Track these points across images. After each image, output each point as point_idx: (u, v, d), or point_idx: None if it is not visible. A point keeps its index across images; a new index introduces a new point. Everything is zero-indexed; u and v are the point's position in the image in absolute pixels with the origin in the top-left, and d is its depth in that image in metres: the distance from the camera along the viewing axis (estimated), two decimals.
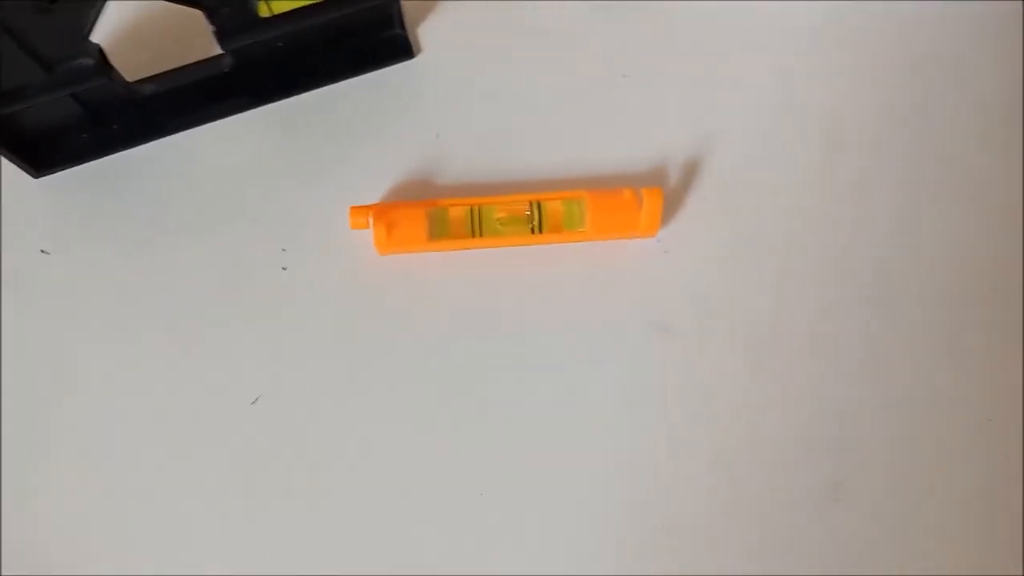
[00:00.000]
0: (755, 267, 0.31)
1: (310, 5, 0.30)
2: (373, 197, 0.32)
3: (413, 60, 0.34)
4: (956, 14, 0.34)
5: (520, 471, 0.29)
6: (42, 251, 0.32)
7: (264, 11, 0.29)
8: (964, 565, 0.29)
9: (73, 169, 0.33)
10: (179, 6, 0.28)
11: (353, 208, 0.30)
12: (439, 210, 0.31)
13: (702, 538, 0.29)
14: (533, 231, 0.31)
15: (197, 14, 0.29)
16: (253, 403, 0.30)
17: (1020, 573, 0.29)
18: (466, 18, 0.34)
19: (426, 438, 0.30)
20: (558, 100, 0.33)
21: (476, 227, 0.31)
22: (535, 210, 0.31)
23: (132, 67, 0.32)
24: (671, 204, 0.32)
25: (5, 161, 0.31)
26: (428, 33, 0.34)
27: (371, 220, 0.30)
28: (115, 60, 0.30)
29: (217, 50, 0.31)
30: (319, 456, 0.30)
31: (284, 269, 0.31)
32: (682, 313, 0.31)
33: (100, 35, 0.28)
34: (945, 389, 0.30)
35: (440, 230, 0.31)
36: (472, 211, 0.31)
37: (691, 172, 0.32)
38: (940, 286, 0.31)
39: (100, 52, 0.29)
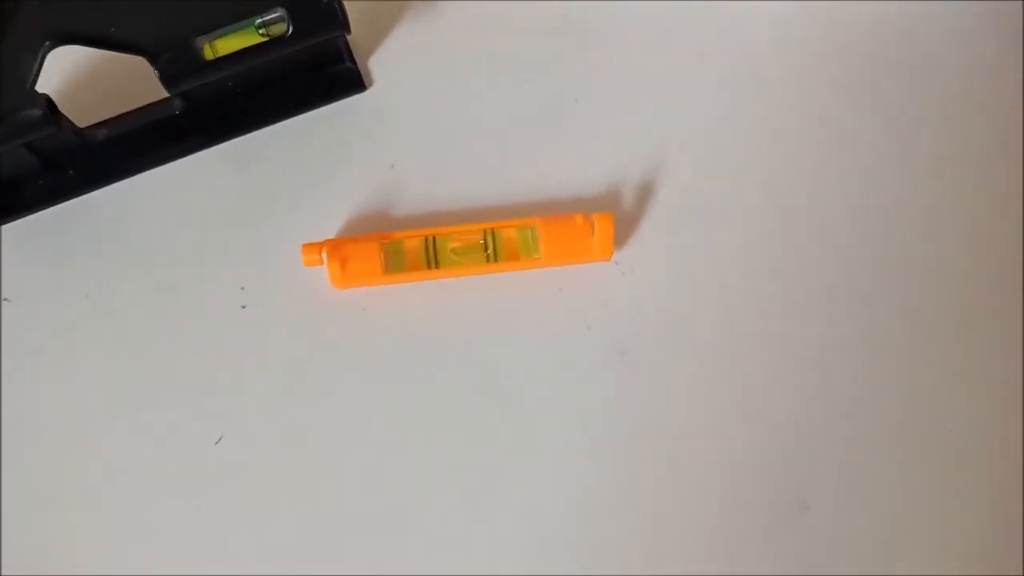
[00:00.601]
0: (711, 286, 0.32)
1: (254, 46, 0.30)
2: (331, 230, 0.32)
3: (365, 93, 0.34)
4: (905, 22, 0.35)
5: (483, 495, 0.30)
6: (5, 299, 0.32)
7: (209, 53, 0.30)
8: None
9: (31, 216, 0.33)
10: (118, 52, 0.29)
11: (305, 245, 0.31)
12: (393, 243, 0.31)
13: (668, 555, 0.29)
14: (488, 260, 0.31)
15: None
16: (217, 442, 0.30)
17: None
18: (417, 49, 0.34)
19: (390, 468, 0.30)
20: (511, 127, 0.33)
21: (431, 258, 0.31)
22: (489, 239, 0.31)
23: (84, 113, 0.32)
24: (626, 226, 0.32)
25: None
26: (379, 65, 0.34)
27: (324, 256, 0.30)
28: (65, 107, 0.30)
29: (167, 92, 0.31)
30: (284, 491, 0.30)
31: (243, 307, 0.32)
32: (640, 334, 0.31)
33: (48, 84, 0.29)
34: (906, 401, 0.31)
35: (395, 263, 0.31)
36: (427, 242, 0.31)
37: (645, 194, 0.33)
38: (898, 299, 0.32)
39: (48, 101, 0.29)
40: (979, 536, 0.30)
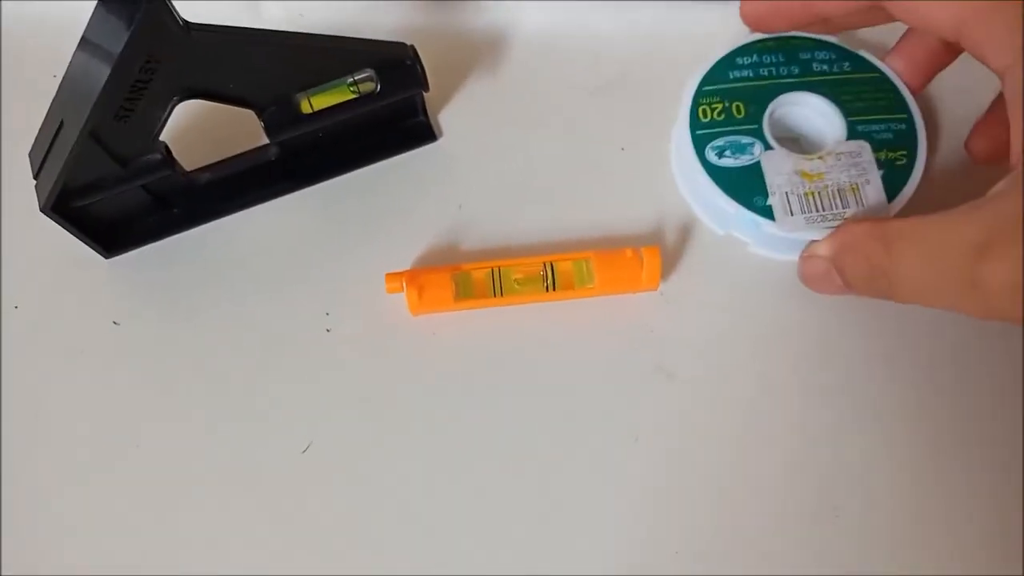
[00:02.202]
0: (748, 313, 0.35)
1: (346, 101, 0.34)
2: (405, 263, 0.36)
3: (436, 143, 0.38)
4: None
5: (542, 506, 0.32)
6: (114, 323, 0.36)
7: (306, 108, 0.34)
8: None
9: (140, 249, 0.37)
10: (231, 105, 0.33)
11: (388, 275, 0.34)
12: (463, 274, 0.35)
13: (712, 562, 0.31)
14: (547, 289, 0.34)
15: (246, 111, 0.33)
16: (304, 451, 0.33)
17: None
18: (480, 105, 0.39)
19: (457, 478, 0.33)
20: (564, 172, 0.37)
21: (497, 287, 0.34)
22: (548, 270, 0.35)
23: (191, 158, 0.36)
24: (670, 259, 0.36)
25: (80, 243, 0.35)
26: (448, 119, 0.38)
27: (404, 285, 0.34)
28: (176, 153, 0.35)
29: (264, 140, 0.35)
30: (365, 497, 0.32)
31: (328, 331, 0.35)
32: (684, 358, 0.34)
33: (164, 132, 0.33)
34: (935, 420, 0.33)
35: (465, 291, 0.35)
36: (493, 273, 0.35)
37: (687, 230, 0.36)
38: (925, 314, 0.33)
39: (166, 148, 0.34)
40: (1005, 537, 0.32)
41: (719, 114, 0.35)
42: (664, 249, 0.35)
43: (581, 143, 0.38)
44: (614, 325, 0.35)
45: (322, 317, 0.35)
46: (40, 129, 0.33)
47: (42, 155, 0.32)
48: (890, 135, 0.34)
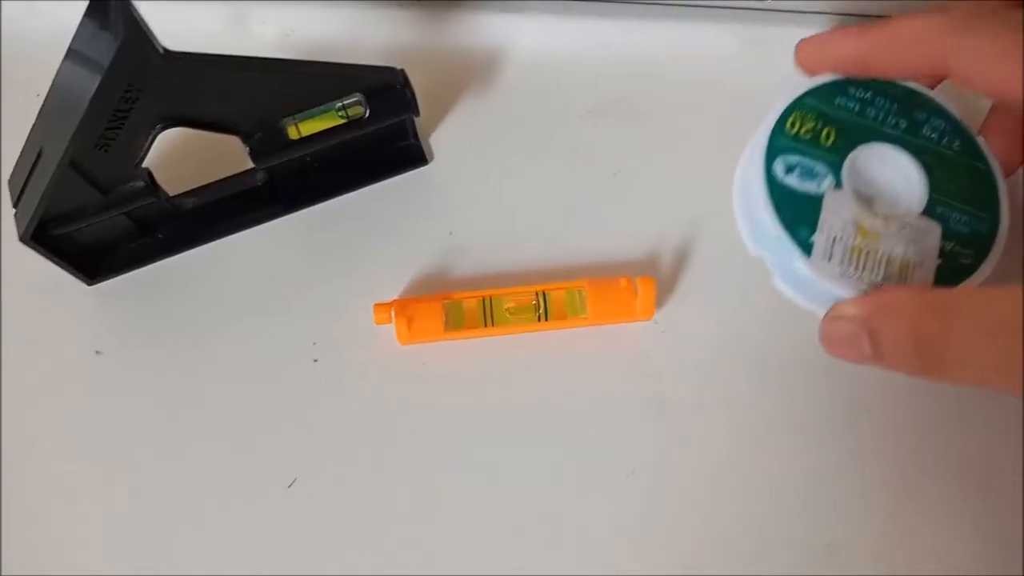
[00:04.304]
0: (745, 344, 0.34)
1: (335, 127, 0.33)
2: (394, 291, 0.35)
3: (427, 166, 0.37)
4: None
5: (533, 537, 0.32)
6: (96, 352, 0.35)
7: (293, 133, 0.33)
8: None
9: (123, 276, 0.36)
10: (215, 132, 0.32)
11: (376, 305, 0.34)
12: (454, 303, 0.34)
13: None
14: (539, 319, 0.34)
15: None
16: (290, 486, 0.33)
17: None
18: (473, 127, 0.38)
19: (448, 512, 0.32)
20: (558, 197, 0.37)
21: (488, 317, 0.34)
22: (541, 300, 0.34)
23: (175, 181, 0.35)
24: (665, 288, 0.35)
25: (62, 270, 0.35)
26: (440, 141, 0.38)
27: (392, 315, 0.33)
28: (160, 177, 0.34)
29: (250, 164, 0.34)
30: (353, 535, 0.32)
31: (315, 361, 0.34)
32: (679, 388, 0.34)
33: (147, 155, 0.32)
34: (933, 452, 0.33)
35: (455, 321, 0.34)
36: (484, 302, 0.34)
37: (681, 258, 0.35)
38: None
39: (149, 175, 0.33)
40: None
41: (807, 132, 0.32)
42: (659, 277, 0.35)
43: (575, 167, 0.37)
44: (608, 355, 0.34)
45: (309, 347, 0.35)
46: (20, 156, 0.32)
47: (21, 183, 0.32)
48: (966, 229, 0.32)
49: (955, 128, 0.34)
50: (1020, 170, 0.35)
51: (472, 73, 0.39)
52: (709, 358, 0.34)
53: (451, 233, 0.36)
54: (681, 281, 0.35)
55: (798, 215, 0.32)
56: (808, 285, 0.32)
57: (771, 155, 0.32)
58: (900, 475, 0.32)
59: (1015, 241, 0.34)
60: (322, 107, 0.33)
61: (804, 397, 0.33)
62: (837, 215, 0.31)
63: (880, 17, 0.39)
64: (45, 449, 0.33)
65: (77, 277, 0.35)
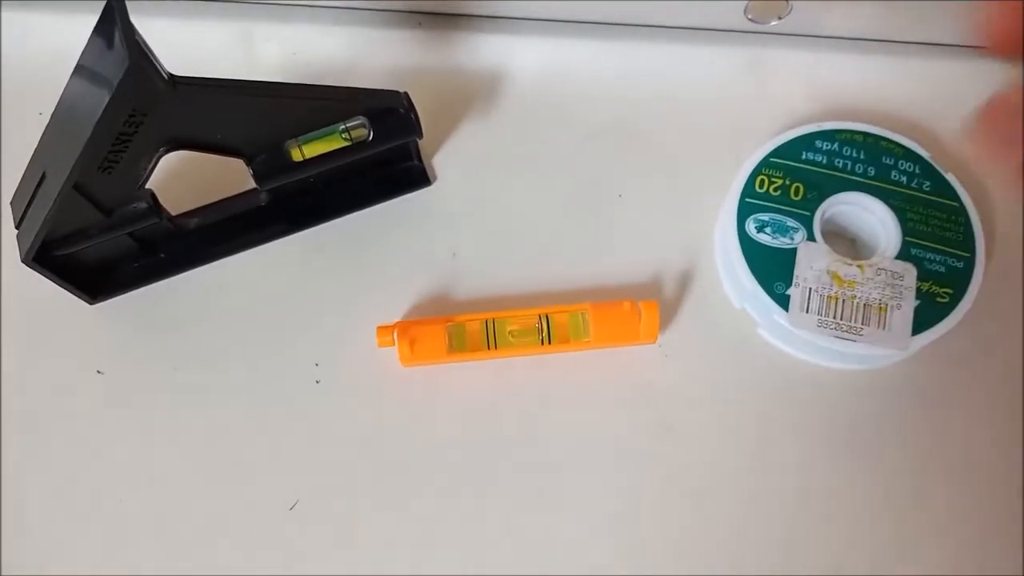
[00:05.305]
0: (748, 368, 0.34)
1: (338, 149, 0.33)
2: (398, 312, 0.35)
3: (430, 187, 0.37)
4: None
5: (536, 561, 0.32)
6: (98, 371, 0.35)
7: (297, 156, 0.33)
8: None
9: (125, 295, 0.36)
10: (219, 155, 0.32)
11: (379, 328, 0.33)
12: (457, 325, 0.34)
13: None
14: (543, 342, 0.34)
15: None
16: (291, 508, 0.33)
17: None
18: (476, 148, 0.38)
19: (450, 535, 0.32)
20: (561, 220, 0.37)
21: (491, 339, 0.34)
22: (544, 323, 0.34)
23: (178, 200, 0.35)
24: (669, 311, 0.35)
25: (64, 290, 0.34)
26: (443, 162, 0.38)
27: (395, 337, 0.33)
28: (162, 197, 0.34)
29: (254, 184, 0.34)
30: (355, 557, 0.32)
31: (317, 382, 0.34)
32: (682, 413, 0.34)
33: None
34: (934, 474, 0.33)
35: (458, 343, 0.34)
36: (487, 325, 0.34)
37: (685, 281, 0.35)
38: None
39: (152, 196, 0.33)
40: None
41: (776, 189, 0.33)
42: (663, 300, 0.35)
43: (579, 189, 0.37)
44: (611, 379, 0.34)
45: (311, 368, 0.34)
46: (22, 177, 0.32)
47: (24, 204, 0.31)
48: (942, 269, 0.33)
49: (925, 169, 0.34)
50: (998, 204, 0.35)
51: (475, 95, 0.39)
52: (712, 382, 0.34)
53: (454, 255, 0.36)
54: (684, 304, 0.35)
55: (773, 270, 0.33)
56: (790, 335, 0.33)
57: (742, 215, 0.34)
58: (901, 496, 0.32)
59: (994, 275, 0.34)
60: (325, 129, 0.33)
61: (805, 422, 0.33)
62: (811, 267, 0.32)
63: (880, 41, 0.39)
64: (46, 468, 0.33)
65: (79, 297, 0.35)
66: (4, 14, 0.41)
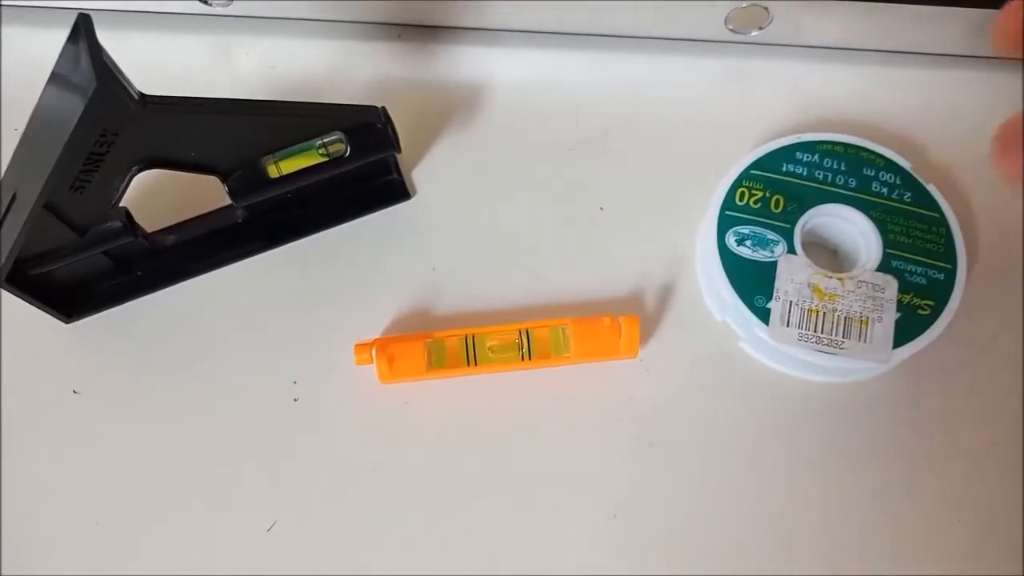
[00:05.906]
0: (730, 382, 0.34)
1: (315, 165, 0.33)
2: (377, 328, 0.35)
3: (409, 201, 0.37)
4: None
5: None
6: (73, 391, 0.34)
7: (273, 172, 0.33)
8: None
9: (100, 314, 0.35)
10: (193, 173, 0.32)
11: (357, 345, 0.33)
12: (436, 342, 0.34)
13: None
14: (523, 358, 0.33)
15: None
16: (269, 529, 0.32)
17: None
18: (456, 161, 0.38)
19: (429, 554, 0.32)
20: (541, 233, 0.36)
21: (471, 356, 0.33)
22: (524, 338, 0.34)
23: (154, 217, 0.35)
24: (650, 326, 0.35)
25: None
26: (423, 176, 0.37)
27: (374, 354, 0.33)
28: (137, 214, 0.33)
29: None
30: (332, 575, 0.32)
31: (295, 400, 0.34)
32: (663, 428, 0.33)
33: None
34: (917, 487, 0.33)
35: (437, 360, 0.33)
36: (467, 341, 0.34)
37: (666, 295, 0.35)
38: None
39: (127, 214, 0.32)
40: None
41: (756, 202, 0.33)
42: (644, 313, 0.35)
43: (559, 202, 0.37)
44: (591, 394, 0.34)
45: (289, 386, 0.34)
46: None
47: None
48: (923, 280, 0.32)
49: (906, 180, 0.34)
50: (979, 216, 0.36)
51: (455, 107, 0.39)
52: (694, 396, 0.34)
53: (434, 269, 0.36)
54: (666, 318, 0.35)
55: (754, 284, 0.32)
56: (772, 349, 0.33)
57: (723, 228, 0.33)
58: (884, 509, 0.32)
59: (976, 286, 0.34)
60: (302, 145, 0.32)
61: (789, 435, 0.33)
62: (791, 280, 0.32)
63: (861, 51, 0.39)
64: (22, 489, 0.33)
65: (54, 316, 0.34)
66: None
